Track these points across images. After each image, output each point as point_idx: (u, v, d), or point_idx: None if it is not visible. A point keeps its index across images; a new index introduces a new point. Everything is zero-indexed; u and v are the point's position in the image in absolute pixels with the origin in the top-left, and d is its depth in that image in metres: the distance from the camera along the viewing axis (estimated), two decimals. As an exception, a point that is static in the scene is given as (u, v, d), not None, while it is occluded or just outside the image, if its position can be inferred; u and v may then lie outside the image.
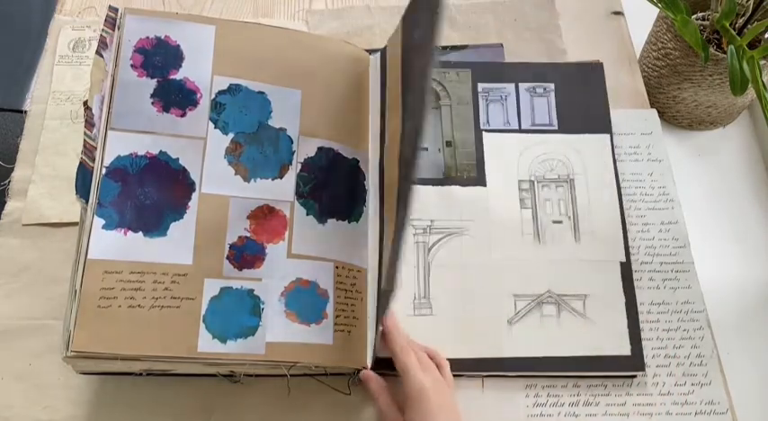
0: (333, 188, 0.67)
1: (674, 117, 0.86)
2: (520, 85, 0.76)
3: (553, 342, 0.65)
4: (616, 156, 0.73)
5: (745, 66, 0.67)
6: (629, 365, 0.65)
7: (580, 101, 0.75)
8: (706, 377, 0.65)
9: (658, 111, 0.79)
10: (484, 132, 0.73)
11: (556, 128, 0.74)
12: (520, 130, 0.74)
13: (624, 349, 0.65)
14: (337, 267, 0.64)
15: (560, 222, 0.70)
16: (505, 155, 0.73)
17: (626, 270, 0.68)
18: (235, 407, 0.64)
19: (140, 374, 0.62)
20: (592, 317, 0.66)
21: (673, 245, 0.71)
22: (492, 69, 0.77)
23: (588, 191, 0.71)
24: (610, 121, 0.74)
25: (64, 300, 0.59)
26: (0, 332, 0.66)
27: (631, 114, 0.78)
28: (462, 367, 0.64)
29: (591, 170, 0.72)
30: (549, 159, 0.72)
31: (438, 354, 0.63)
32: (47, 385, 0.64)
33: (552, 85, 0.76)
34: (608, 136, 0.74)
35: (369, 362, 0.63)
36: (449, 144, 0.72)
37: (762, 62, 0.70)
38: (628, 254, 0.69)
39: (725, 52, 0.71)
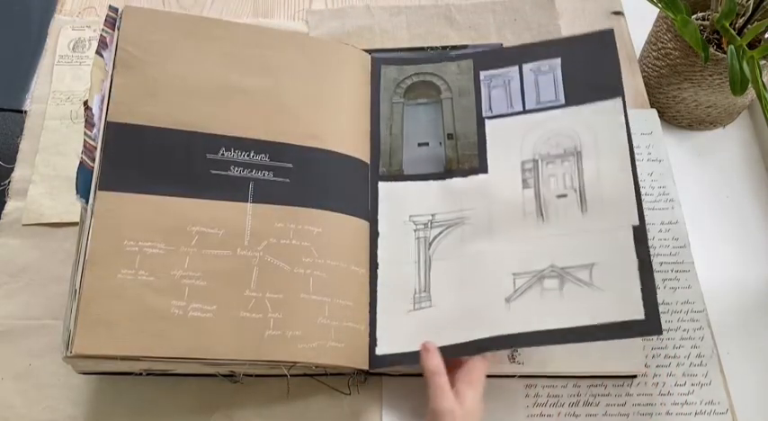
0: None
1: (674, 117, 0.86)
2: (524, 66, 0.72)
3: (555, 314, 0.61)
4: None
5: (745, 66, 0.67)
6: (642, 329, 0.59)
7: (589, 70, 0.70)
8: (706, 377, 0.65)
9: (658, 111, 0.79)
10: (486, 120, 0.71)
11: (563, 102, 0.69)
12: (524, 111, 0.70)
13: (637, 313, 0.59)
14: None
15: (565, 196, 0.66)
16: (508, 139, 0.69)
17: (640, 233, 0.62)
18: (235, 407, 0.64)
19: (140, 374, 0.62)
20: (600, 285, 0.61)
21: (673, 245, 0.71)
22: (494, 56, 0.74)
23: (598, 159, 0.66)
24: (621, 84, 0.68)
25: (64, 299, 0.59)
26: (0, 332, 0.66)
27: (631, 114, 0.77)
28: (460, 352, 0.62)
29: (601, 137, 0.67)
30: (555, 136, 0.68)
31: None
32: (47, 385, 0.64)
33: (558, 61, 0.70)
34: (619, 99, 0.67)
35: (368, 363, 0.63)
36: (450, 137, 0.71)
37: (762, 62, 0.70)
38: (642, 216, 0.63)
39: (725, 52, 0.71)
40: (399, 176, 0.70)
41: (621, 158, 0.65)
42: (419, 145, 0.71)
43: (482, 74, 0.72)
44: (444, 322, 0.63)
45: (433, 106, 0.72)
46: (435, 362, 0.59)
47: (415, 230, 0.68)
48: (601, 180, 0.65)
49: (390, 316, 0.65)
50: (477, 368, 0.60)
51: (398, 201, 0.69)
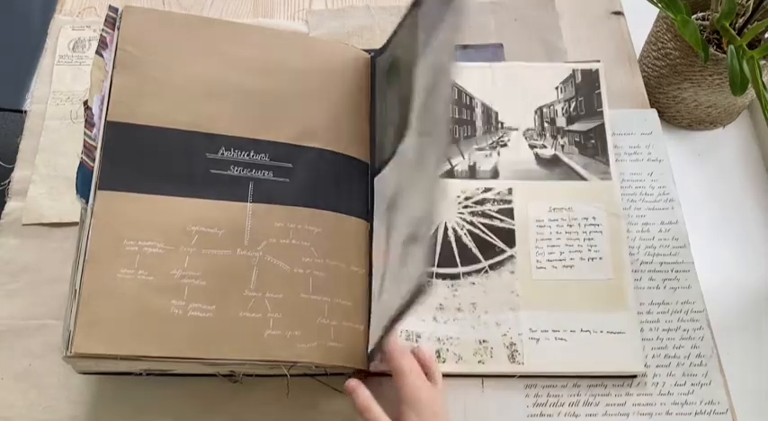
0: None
1: (674, 117, 0.86)
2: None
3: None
4: (615, 156, 0.73)
5: (745, 66, 0.68)
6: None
7: None
8: (706, 377, 0.65)
9: (658, 111, 0.79)
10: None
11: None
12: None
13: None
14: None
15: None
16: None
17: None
18: (235, 407, 0.64)
19: (140, 374, 0.62)
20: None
21: (673, 245, 0.71)
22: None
23: None
24: None
25: (64, 300, 0.59)
26: (0, 332, 0.66)
27: (631, 114, 0.78)
28: (376, 348, 0.60)
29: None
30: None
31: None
32: (47, 385, 0.64)
33: None
34: None
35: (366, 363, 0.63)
36: None
37: (762, 62, 0.70)
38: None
39: (725, 52, 0.71)
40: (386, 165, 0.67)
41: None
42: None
43: (419, 13, 0.64)
44: (380, 312, 0.61)
45: None
46: (360, 401, 0.57)
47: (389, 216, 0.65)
48: None
49: (374, 312, 0.63)
50: (396, 381, 0.58)
51: (382, 190, 0.67)
